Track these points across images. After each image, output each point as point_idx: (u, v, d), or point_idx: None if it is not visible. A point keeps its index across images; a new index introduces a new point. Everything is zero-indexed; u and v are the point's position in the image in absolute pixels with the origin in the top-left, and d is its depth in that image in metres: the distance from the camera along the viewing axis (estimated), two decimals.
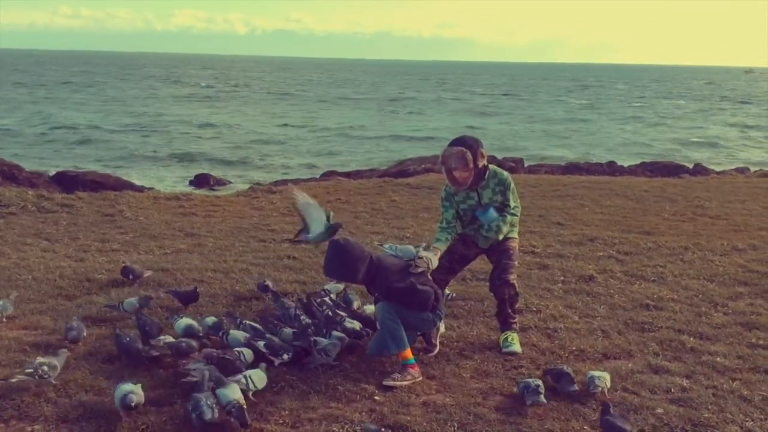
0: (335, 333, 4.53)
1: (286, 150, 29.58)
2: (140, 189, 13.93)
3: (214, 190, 18.83)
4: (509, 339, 4.70)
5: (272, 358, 4.25)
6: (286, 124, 38.96)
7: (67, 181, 14.62)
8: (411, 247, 5.25)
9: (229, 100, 55.11)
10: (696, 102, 66.11)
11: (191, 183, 19.92)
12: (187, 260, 6.82)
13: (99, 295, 5.67)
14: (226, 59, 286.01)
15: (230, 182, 20.18)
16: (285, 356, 4.25)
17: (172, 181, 20.94)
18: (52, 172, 16.65)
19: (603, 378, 4.04)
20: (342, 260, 4.27)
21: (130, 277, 5.99)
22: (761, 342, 4.87)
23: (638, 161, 20.68)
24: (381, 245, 5.37)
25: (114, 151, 27.56)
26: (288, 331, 4.62)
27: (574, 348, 4.72)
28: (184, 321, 4.72)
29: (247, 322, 4.78)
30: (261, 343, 4.33)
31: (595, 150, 29.97)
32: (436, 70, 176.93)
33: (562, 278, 6.37)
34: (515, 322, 4.82)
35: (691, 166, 19.56)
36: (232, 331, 4.58)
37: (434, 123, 41.29)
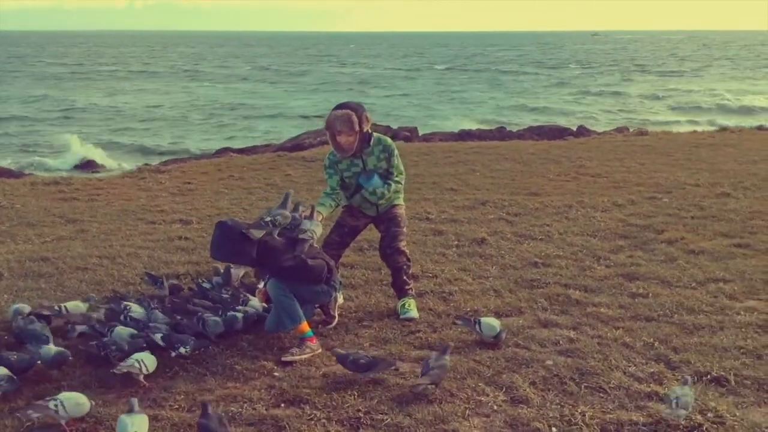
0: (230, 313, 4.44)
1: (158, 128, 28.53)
2: (16, 175, 13.07)
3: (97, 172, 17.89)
4: (406, 305, 4.77)
5: (170, 351, 4.10)
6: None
7: None
8: (286, 212, 4.82)
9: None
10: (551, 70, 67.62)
11: (75, 168, 18.94)
12: (69, 248, 6.46)
13: None
14: (105, 35, 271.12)
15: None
16: (182, 350, 4.09)
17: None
18: None
19: (687, 396, 3.33)
20: (230, 243, 4.16)
21: None
22: (641, 291, 5.17)
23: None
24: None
25: None
26: (123, 330, 4.25)
27: (468, 309, 4.85)
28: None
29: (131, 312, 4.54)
30: (158, 336, 4.17)
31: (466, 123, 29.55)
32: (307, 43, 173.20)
33: (456, 242, 6.52)
34: (411, 288, 4.89)
35: (575, 128, 20.41)
36: (117, 329, 4.27)
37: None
